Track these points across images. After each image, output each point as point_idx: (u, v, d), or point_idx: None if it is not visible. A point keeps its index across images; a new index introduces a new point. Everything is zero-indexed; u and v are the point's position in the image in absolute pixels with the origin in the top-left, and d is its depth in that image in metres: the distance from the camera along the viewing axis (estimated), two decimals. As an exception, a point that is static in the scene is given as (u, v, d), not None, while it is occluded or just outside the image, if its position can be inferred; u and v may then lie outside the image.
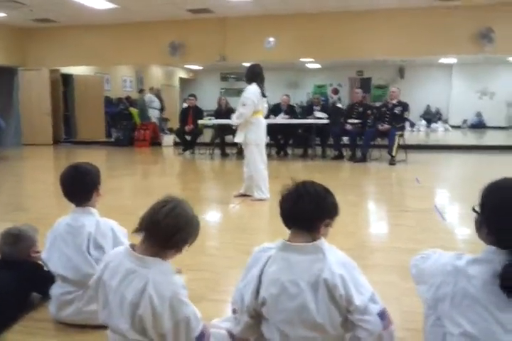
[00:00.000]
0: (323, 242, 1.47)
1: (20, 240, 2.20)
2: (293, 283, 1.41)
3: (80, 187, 2.02)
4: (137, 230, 1.50)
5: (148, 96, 13.16)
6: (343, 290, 1.38)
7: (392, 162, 7.61)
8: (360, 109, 8.44)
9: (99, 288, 1.53)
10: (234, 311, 1.58)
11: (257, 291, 1.46)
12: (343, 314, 1.41)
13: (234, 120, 4.88)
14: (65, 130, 12.61)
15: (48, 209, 4.43)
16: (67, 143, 12.08)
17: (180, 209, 1.49)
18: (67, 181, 2.03)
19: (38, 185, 6.16)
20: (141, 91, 13.68)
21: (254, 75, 4.75)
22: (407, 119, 8.16)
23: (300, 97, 18.38)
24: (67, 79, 12.56)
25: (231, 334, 1.61)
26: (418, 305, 2.03)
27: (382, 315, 1.42)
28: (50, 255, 2.04)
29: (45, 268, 2.13)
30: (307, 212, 1.45)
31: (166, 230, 1.45)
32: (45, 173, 7.51)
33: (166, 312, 1.41)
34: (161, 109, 13.62)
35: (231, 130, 8.75)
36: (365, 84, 18.48)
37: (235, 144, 9.02)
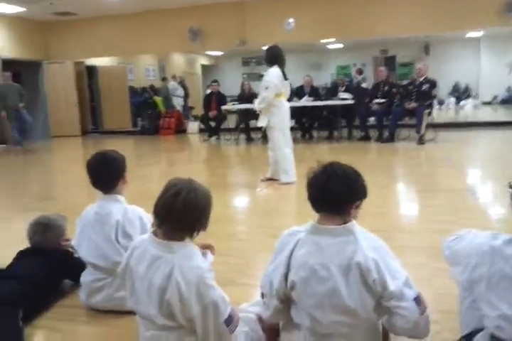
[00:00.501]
0: (354, 224, 1.42)
1: (49, 229, 2.24)
2: (323, 267, 1.37)
3: (106, 174, 2.02)
4: (155, 218, 1.49)
5: (172, 84, 13.21)
6: (377, 275, 1.33)
7: (420, 141, 7.42)
8: (386, 88, 8.23)
9: (126, 275, 1.54)
10: (263, 295, 1.55)
11: (286, 275, 1.43)
12: (375, 299, 1.36)
13: (256, 105, 4.83)
14: (92, 121, 12.80)
15: (77, 198, 4.51)
16: (95, 134, 12.28)
17: (195, 191, 1.47)
18: (94, 168, 2.03)
19: (67, 175, 6.28)
20: (164, 79, 13.73)
21: (274, 57, 4.66)
22: (435, 97, 7.92)
23: (323, 79, 18.07)
24: (91, 70, 12.69)
25: (260, 319, 1.59)
26: (450, 286, 1.98)
27: (418, 300, 1.36)
28: (80, 243, 2.07)
29: (75, 255, 2.17)
30: (337, 195, 1.39)
31: (186, 215, 1.44)
32: (74, 164, 7.64)
33: (193, 297, 1.40)
34: (186, 96, 13.66)
35: (255, 115, 8.64)
36: (389, 62, 18.03)
37: (260, 129, 8.98)
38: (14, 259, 2.20)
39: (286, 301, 1.48)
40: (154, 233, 1.52)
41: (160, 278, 1.42)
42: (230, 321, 1.46)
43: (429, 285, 2.12)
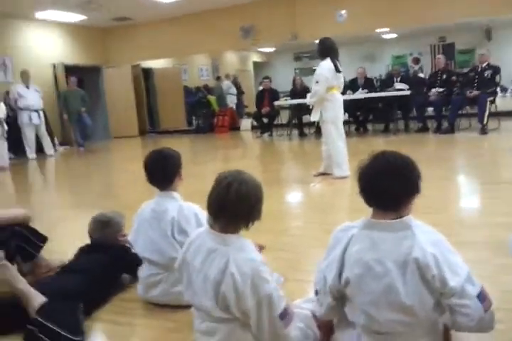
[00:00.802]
0: (411, 218, 1.34)
1: (108, 226, 2.34)
2: (378, 263, 1.31)
3: (162, 170, 2.06)
4: (209, 212, 1.50)
5: (226, 83, 13.40)
6: (436, 270, 1.26)
7: (483, 131, 7.05)
8: (444, 76, 7.88)
9: (183, 269, 1.56)
10: (316, 292, 1.52)
11: (340, 272, 1.39)
12: (435, 296, 1.30)
13: (308, 99, 4.78)
14: (149, 121, 13.21)
15: (136, 196, 4.65)
16: (152, 134, 12.65)
17: (246, 182, 1.47)
18: (151, 165, 2.08)
19: (126, 174, 6.51)
20: (218, 78, 13.94)
21: (326, 49, 4.58)
22: (498, 83, 7.50)
23: (378, 70, 17.59)
24: (147, 73, 13.10)
25: (314, 315, 1.57)
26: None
27: (482, 297, 1.28)
28: (137, 238, 2.13)
29: (132, 251, 2.24)
30: (390, 189, 1.30)
31: (239, 206, 1.44)
32: (133, 163, 7.89)
33: (248, 290, 1.39)
34: (240, 94, 13.82)
35: (307, 109, 8.60)
36: (448, 50, 17.27)
37: (313, 123, 8.88)
38: (75, 255, 2.31)
39: (340, 298, 1.44)
40: (211, 226, 1.54)
41: (215, 270, 1.43)
42: (285, 315, 1.44)
43: (493, 282, 2.00)
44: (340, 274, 1.39)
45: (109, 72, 12.26)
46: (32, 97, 8.51)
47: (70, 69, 11.16)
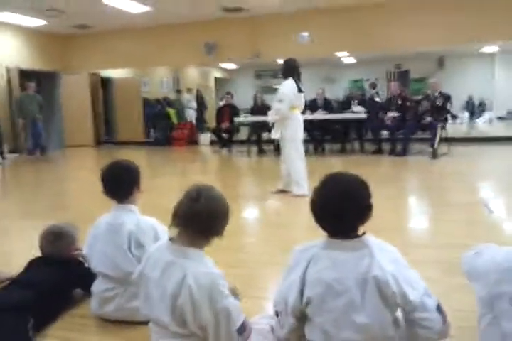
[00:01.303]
0: (368, 237, 1.38)
1: (60, 238, 2.24)
2: (339, 282, 1.34)
3: (120, 183, 2.02)
4: (174, 224, 1.49)
5: (186, 97, 13.38)
6: (396, 287, 1.30)
7: (434, 155, 7.37)
8: (399, 102, 8.21)
9: (140, 282, 1.53)
10: (277, 313, 1.50)
11: (302, 292, 1.39)
12: (393, 313, 1.34)
13: (271, 116, 4.84)
14: (106, 131, 12.94)
15: (89, 208, 4.51)
16: (108, 144, 12.39)
17: (214, 198, 1.49)
18: (109, 177, 2.03)
19: (79, 184, 6.32)
20: (178, 91, 13.89)
21: (290, 70, 4.67)
22: (449, 111, 7.88)
23: (336, 93, 18.10)
24: (106, 82, 12.87)
25: (272, 329, 1.56)
26: (467, 302, 1.93)
27: (440, 309, 1.36)
28: (92, 252, 2.06)
29: (86, 265, 2.16)
30: (346, 216, 1.34)
31: (206, 220, 1.45)
32: (87, 173, 7.69)
33: (206, 303, 1.38)
34: (203, 108, 13.91)
35: (267, 127, 8.70)
36: (403, 77, 18.03)
37: (272, 141, 8.97)
38: (25, 268, 2.20)
39: (302, 318, 1.44)
40: (171, 239, 1.51)
41: (173, 284, 1.42)
42: (243, 330, 1.43)
43: (445, 300, 2.04)
44: (301, 294, 1.39)
45: (66, 79, 11.98)
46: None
47: (25, 74, 10.82)
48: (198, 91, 14.47)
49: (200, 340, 1.44)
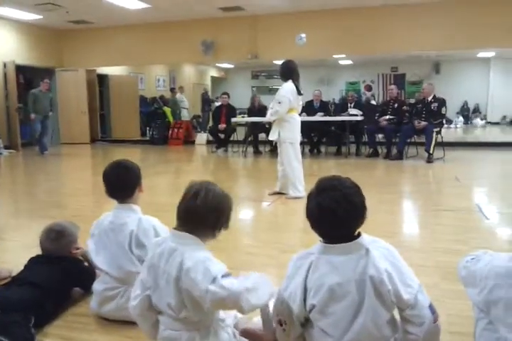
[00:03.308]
0: (364, 238, 1.40)
1: (62, 236, 2.25)
2: (340, 286, 1.36)
3: (123, 183, 2.04)
4: (178, 222, 1.54)
5: (179, 96, 13.36)
6: (391, 285, 1.33)
7: (429, 160, 7.43)
8: (396, 105, 8.26)
9: (151, 272, 1.56)
10: (280, 322, 1.48)
11: (304, 299, 1.40)
12: (390, 312, 1.37)
13: (268, 117, 4.86)
14: (101, 129, 12.89)
15: (85, 206, 4.53)
16: (104, 142, 12.35)
17: (213, 192, 1.54)
18: (111, 177, 2.04)
19: (75, 182, 6.30)
20: (172, 90, 13.86)
21: (289, 72, 4.69)
22: (444, 116, 7.94)
23: (332, 94, 18.19)
24: (102, 79, 12.83)
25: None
26: (461, 308, 1.97)
27: (432, 308, 1.38)
28: (98, 251, 2.06)
29: (85, 264, 2.17)
30: (342, 224, 1.36)
31: (206, 215, 1.49)
32: (83, 171, 7.68)
33: (200, 274, 1.42)
34: (208, 107, 14.27)
35: (264, 128, 8.76)
36: (398, 80, 18.14)
37: (268, 142, 9.00)
38: (25, 266, 2.21)
39: (304, 324, 1.46)
40: (175, 229, 1.57)
41: (174, 269, 1.48)
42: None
43: (441, 305, 2.08)
44: (304, 302, 1.40)
45: (62, 75, 11.92)
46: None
47: (21, 69, 10.76)
48: (204, 90, 14.61)
49: (203, 334, 1.51)
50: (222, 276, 1.45)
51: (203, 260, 1.46)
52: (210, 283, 1.42)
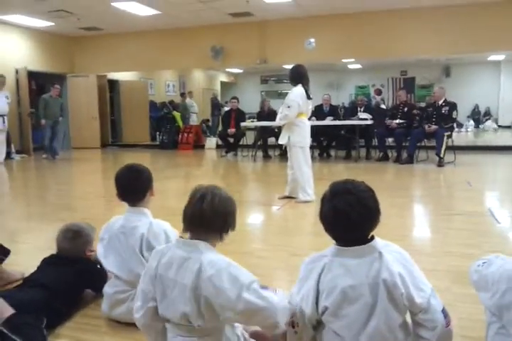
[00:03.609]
0: (377, 241, 1.40)
1: (79, 236, 2.27)
2: (353, 288, 1.35)
3: (135, 186, 2.05)
4: (185, 227, 1.53)
5: (188, 101, 13.44)
6: (404, 289, 1.32)
7: (440, 163, 7.38)
8: (405, 109, 8.24)
9: (156, 282, 1.52)
10: (292, 324, 1.48)
11: (317, 302, 1.40)
12: (402, 315, 1.36)
13: (278, 121, 4.88)
14: (112, 134, 13.00)
15: (96, 209, 4.57)
16: (114, 147, 12.45)
17: (219, 195, 1.52)
18: (123, 181, 2.05)
19: (86, 186, 6.36)
20: (182, 95, 13.96)
21: (299, 76, 4.70)
22: (455, 119, 7.89)
23: (342, 99, 18.18)
24: (113, 84, 12.96)
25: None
26: (473, 312, 1.96)
27: (445, 312, 1.37)
28: (108, 254, 2.07)
29: (98, 267, 2.19)
30: (357, 228, 1.36)
31: (213, 219, 1.48)
32: (93, 175, 7.75)
33: (226, 281, 1.38)
34: (218, 112, 14.35)
35: (273, 132, 8.77)
36: (408, 84, 18.09)
37: (277, 146, 9.01)
38: (38, 267, 2.22)
39: (317, 326, 1.46)
40: (181, 238, 1.55)
41: (191, 277, 1.43)
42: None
43: (453, 309, 2.06)
44: (317, 304, 1.40)
45: (73, 81, 12.06)
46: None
47: (33, 75, 10.90)
48: (214, 95, 14.69)
49: (215, 340, 1.47)
50: (261, 287, 1.42)
51: (226, 266, 1.42)
52: (243, 291, 1.38)
